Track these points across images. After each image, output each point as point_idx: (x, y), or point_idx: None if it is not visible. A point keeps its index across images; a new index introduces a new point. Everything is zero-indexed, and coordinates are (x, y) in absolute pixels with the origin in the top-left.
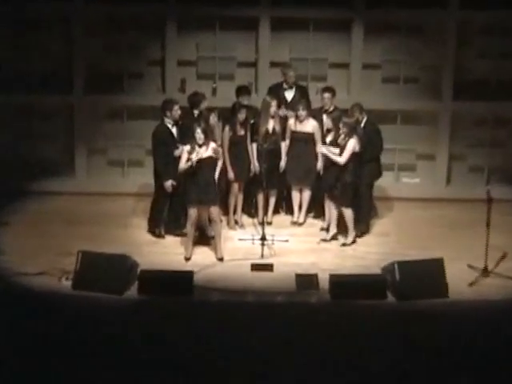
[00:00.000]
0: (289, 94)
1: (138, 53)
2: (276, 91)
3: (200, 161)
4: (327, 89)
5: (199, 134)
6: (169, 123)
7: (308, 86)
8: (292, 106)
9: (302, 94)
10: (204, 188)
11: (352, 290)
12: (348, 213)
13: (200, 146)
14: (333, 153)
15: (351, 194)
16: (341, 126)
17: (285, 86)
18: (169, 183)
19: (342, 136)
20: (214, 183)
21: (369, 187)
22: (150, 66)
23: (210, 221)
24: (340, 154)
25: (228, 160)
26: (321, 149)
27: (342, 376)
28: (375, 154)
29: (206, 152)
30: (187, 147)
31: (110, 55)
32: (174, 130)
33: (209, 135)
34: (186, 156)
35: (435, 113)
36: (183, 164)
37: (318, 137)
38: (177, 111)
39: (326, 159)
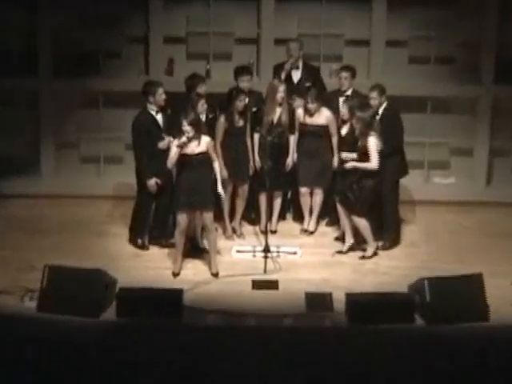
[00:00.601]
0: (295, 75)
1: (117, 28)
2: (281, 71)
3: (191, 158)
4: (345, 68)
5: (186, 127)
6: (152, 110)
7: (320, 68)
8: (299, 89)
9: (312, 74)
10: (196, 190)
11: (373, 312)
12: (362, 223)
13: (189, 140)
14: (355, 159)
15: (369, 201)
16: (354, 122)
17: (291, 65)
18: (152, 182)
19: (358, 131)
20: (209, 184)
21: (393, 186)
22: (130, 43)
23: (203, 229)
24: (361, 157)
25: (221, 155)
26: (349, 164)
27: None
28: (398, 146)
29: (197, 147)
30: (175, 142)
31: (83, 31)
32: (159, 118)
33: (200, 127)
34: (176, 151)
35: (473, 99)
36: (172, 160)
37: (333, 130)
38: (161, 95)
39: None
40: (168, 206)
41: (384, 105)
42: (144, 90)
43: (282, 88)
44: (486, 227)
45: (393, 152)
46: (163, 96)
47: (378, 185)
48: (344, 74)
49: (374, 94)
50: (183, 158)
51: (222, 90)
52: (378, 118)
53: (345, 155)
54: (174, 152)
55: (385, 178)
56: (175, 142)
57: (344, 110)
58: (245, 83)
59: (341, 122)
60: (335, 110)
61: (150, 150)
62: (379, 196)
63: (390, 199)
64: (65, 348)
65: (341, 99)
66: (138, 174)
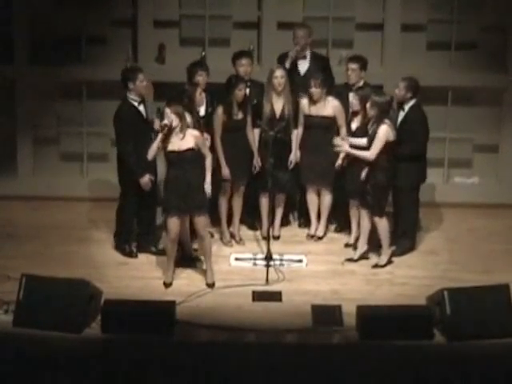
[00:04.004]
0: (302, 65)
1: (101, 9)
2: (286, 60)
3: (179, 156)
4: (353, 58)
5: (169, 117)
6: (134, 100)
7: (328, 54)
8: (306, 81)
9: (320, 65)
10: (187, 192)
11: (387, 328)
12: (383, 224)
13: (171, 127)
14: (356, 145)
15: (385, 199)
16: (368, 106)
17: (296, 53)
18: (146, 179)
19: (372, 121)
20: (201, 185)
21: (414, 191)
22: (116, 27)
23: (194, 236)
24: (369, 146)
25: (221, 152)
26: (338, 145)
27: None
28: (416, 151)
29: (184, 143)
30: (158, 137)
31: (63, 13)
32: (142, 109)
33: (185, 119)
34: (158, 142)
35: (499, 89)
36: (153, 151)
37: (341, 121)
38: (142, 82)
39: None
40: (153, 208)
41: (411, 102)
42: (123, 76)
43: (279, 73)
44: None
45: (409, 156)
46: (144, 83)
47: (392, 180)
48: (351, 66)
49: (401, 85)
50: (170, 156)
51: (219, 80)
52: (402, 114)
53: (351, 140)
54: (156, 142)
55: (405, 181)
56: (158, 139)
57: (354, 101)
58: (244, 67)
59: (351, 116)
60: (345, 106)
61: (137, 145)
62: (397, 199)
63: (410, 204)
64: (44, 367)
65: (351, 94)
66: (122, 173)
